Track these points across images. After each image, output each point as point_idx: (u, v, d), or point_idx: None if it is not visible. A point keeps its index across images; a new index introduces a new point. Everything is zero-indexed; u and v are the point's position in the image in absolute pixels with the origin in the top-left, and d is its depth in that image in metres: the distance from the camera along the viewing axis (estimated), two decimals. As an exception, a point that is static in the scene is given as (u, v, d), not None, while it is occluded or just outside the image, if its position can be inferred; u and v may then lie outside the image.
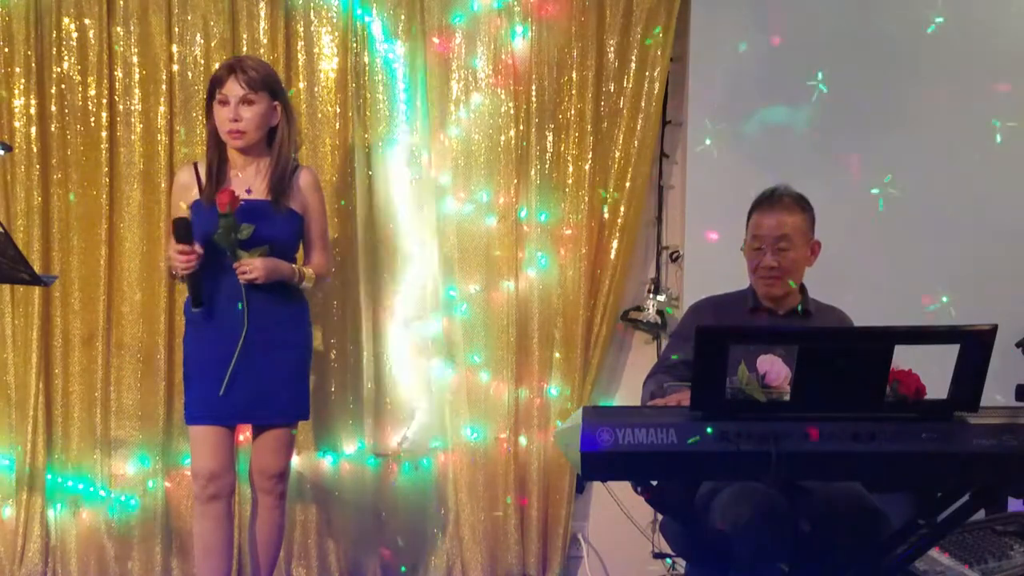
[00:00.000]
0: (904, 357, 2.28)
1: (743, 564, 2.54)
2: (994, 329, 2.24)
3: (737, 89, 3.85)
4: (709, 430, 2.21)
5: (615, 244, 3.85)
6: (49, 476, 3.72)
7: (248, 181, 3.15)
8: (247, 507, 3.44)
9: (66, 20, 3.68)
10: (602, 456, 2.20)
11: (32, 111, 3.66)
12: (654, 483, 2.47)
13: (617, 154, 3.85)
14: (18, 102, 3.67)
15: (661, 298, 3.94)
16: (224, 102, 3.08)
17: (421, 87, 3.80)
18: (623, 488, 2.65)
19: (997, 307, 3.14)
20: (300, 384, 3.23)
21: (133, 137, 3.72)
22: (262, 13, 3.73)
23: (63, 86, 3.69)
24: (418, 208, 3.84)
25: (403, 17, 3.79)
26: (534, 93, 3.82)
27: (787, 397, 2.32)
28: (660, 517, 3.34)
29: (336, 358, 3.79)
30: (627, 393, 3.96)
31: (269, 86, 3.12)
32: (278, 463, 3.20)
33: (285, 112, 3.16)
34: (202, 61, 3.71)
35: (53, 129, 3.69)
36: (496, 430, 3.87)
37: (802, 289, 3.01)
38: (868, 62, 3.83)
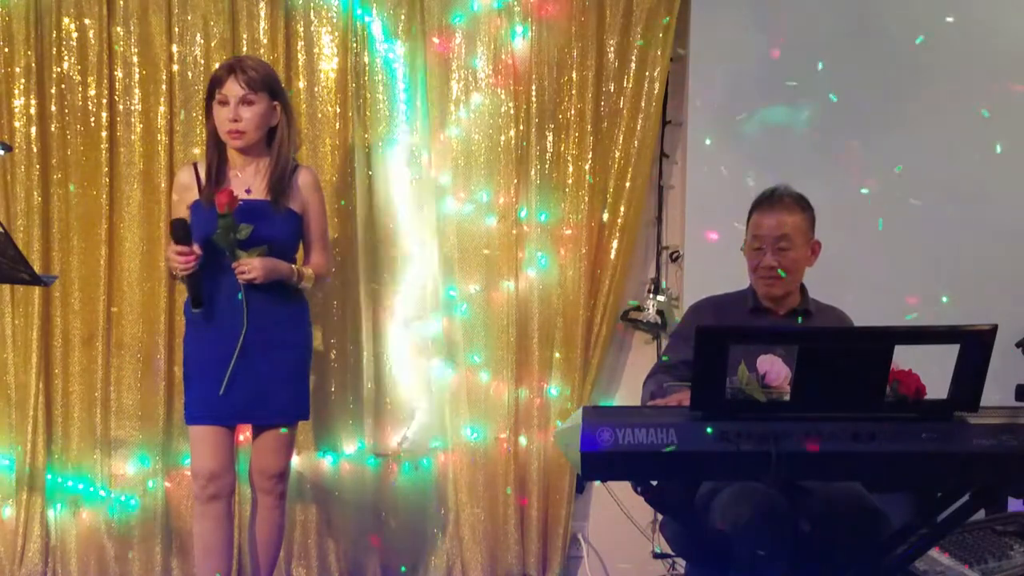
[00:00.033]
0: (904, 357, 2.28)
1: (743, 564, 2.54)
2: (994, 329, 2.24)
3: (737, 89, 3.85)
4: (709, 430, 2.21)
5: (615, 244, 3.85)
6: (49, 476, 3.72)
7: (248, 181, 3.15)
8: (247, 507, 3.44)
9: (66, 20, 3.68)
10: (602, 456, 2.20)
11: (32, 111, 3.66)
12: (654, 483, 2.47)
13: (617, 154, 3.85)
14: (18, 102, 3.67)
15: (661, 298, 3.94)
16: (224, 102, 3.08)
17: (421, 87, 3.80)
18: (623, 488, 2.65)
19: (997, 307, 3.14)
20: (300, 384, 3.23)
21: (133, 137, 3.72)
22: (262, 13, 3.73)
23: (63, 86, 3.69)
24: (418, 208, 3.84)
25: (403, 17, 3.79)
26: (534, 93, 3.82)
27: (787, 397, 2.32)
28: (660, 517, 3.34)
29: (336, 358, 3.79)
30: (627, 393, 3.96)
31: (269, 86, 3.12)
32: (278, 463, 3.20)
33: (285, 112, 3.16)
34: (202, 61, 3.71)
35: (53, 129, 3.69)
36: (496, 430, 3.87)
37: (802, 289, 3.01)
38: (868, 62, 3.82)
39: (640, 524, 3.85)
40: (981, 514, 2.96)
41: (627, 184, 3.84)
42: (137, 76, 3.71)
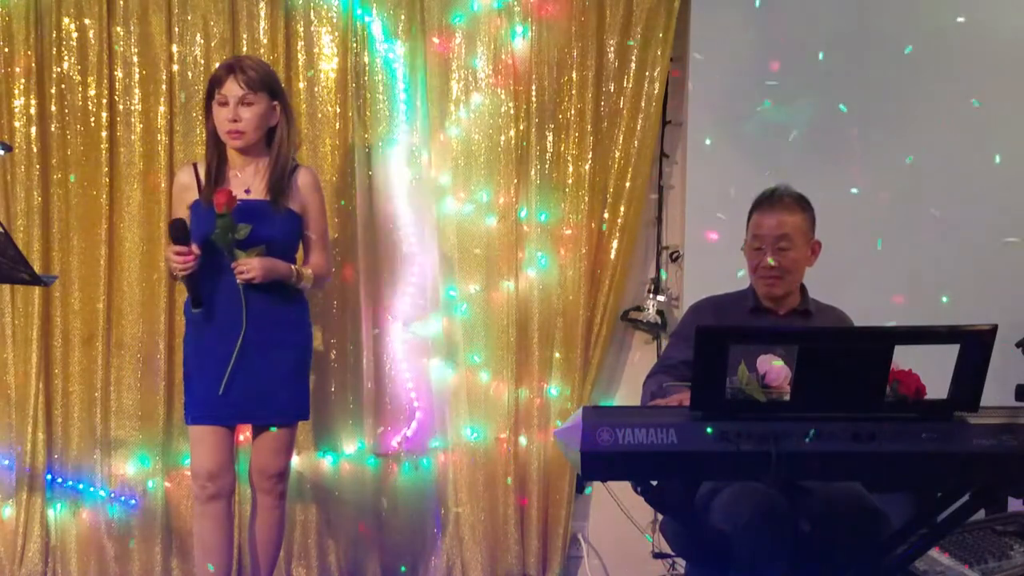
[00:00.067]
0: (904, 357, 2.28)
1: (743, 564, 2.54)
2: (994, 329, 2.24)
3: (737, 89, 3.85)
4: (709, 430, 2.21)
5: (615, 244, 3.85)
6: (49, 476, 3.72)
7: (247, 181, 3.15)
8: (247, 507, 3.44)
9: (66, 20, 3.68)
10: (602, 456, 2.20)
11: (32, 111, 3.66)
12: (654, 483, 2.47)
13: (617, 154, 3.85)
14: (18, 102, 3.67)
15: (661, 298, 3.94)
16: (223, 102, 3.08)
17: (421, 87, 3.80)
18: (623, 488, 2.65)
19: (997, 307, 3.14)
20: (300, 384, 3.23)
21: (133, 137, 3.72)
22: (262, 13, 3.73)
23: (63, 86, 3.69)
24: (418, 208, 3.84)
25: (403, 17, 3.79)
26: (534, 93, 3.82)
27: (787, 397, 2.32)
28: (660, 517, 3.34)
29: (336, 358, 3.79)
30: (627, 393, 3.96)
31: (268, 86, 3.12)
32: (278, 463, 3.20)
33: (284, 112, 3.16)
34: (202, 61, 3.71)
35: (53, 129, 3.69)
36: (496, 430, 3.87)
37: (802, 289, 3.01)
38: (868, 62, 3.82)
39: (640, 524, 3.85)
40: (981, 514, 2.96)
41: (627, 184, 3.84)
42: (137, 76, 3.70)
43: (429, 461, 3.88)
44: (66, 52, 3.69)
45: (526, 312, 3.86)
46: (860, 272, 3.69)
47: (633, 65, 3.82)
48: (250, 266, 3.03)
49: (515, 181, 3.82)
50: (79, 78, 3.69)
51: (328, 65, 3.77)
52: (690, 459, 2.23)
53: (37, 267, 3.56)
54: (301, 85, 3.75)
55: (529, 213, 3.85)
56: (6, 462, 3.72)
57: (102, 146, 3.69)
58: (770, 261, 2.89)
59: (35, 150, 3.66)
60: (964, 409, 2.29)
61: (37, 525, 3.71)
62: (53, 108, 3.69)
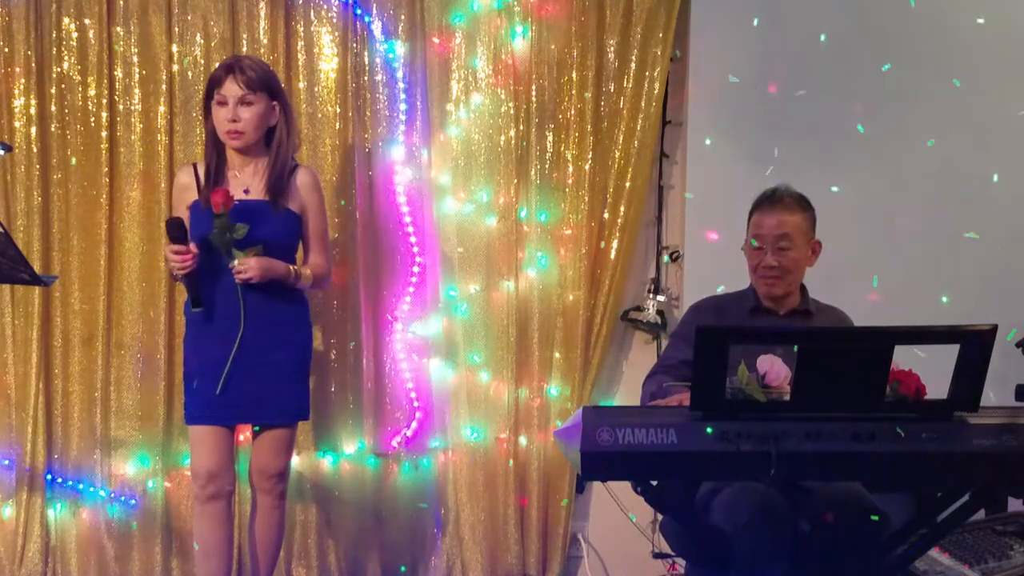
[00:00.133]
0: (904, 357, 2.28)
1: (743, 564, 2.54)
2: (994, 329, 2.24)
3: (737, 89, 3.84)
4: (709, 430, 2.21)
5: (615, 244, 3.85)
6: (49, 476, 3.72)
7: (246, 181, 3.15)
8: (247, 507, 3.44)
9: (66, 20, 3.68)
10: (602, 456, 2.20)
11: (32, 111, 3.66)
12: (654, 483, 2.47)
13: (617, 154, 3.84)
14: (18, 102, 3.67)
15: (661, 298, 3.94)
16: (222, 102, 3.08)
17: (421, 87, 3.80)
18: (623, 488, 2.65)
19: (997, 307, 3.14)
20: (300, 384, 3.23)
21: (133, 137, 3.72)
22: (262, 13, 3.73)
23: (63, 86, 3.69)
24: (418, 208, 3.84)
25: (403, 17, 3.79)
26: (534, 93, 3.82)
27: (787, 397, 2.32)
28: (660, 517, 3.34)
29: (336, 358, 3.79)
30: (627, 393, 3.96)
31: (267, 86, 3.12)
32: (278, 463, 3.20)
33: (284, 112, 3.16)
34: (202, 61, 3.71)
35: (53, 129, 3.69)
36: (496, 430, 3.87)
37: (802, 289, 3.01)
38: (868, 61, 3.82)
39: (640, 524, 3.85)
40: (981, 514, 2.96)
41: (627, 184, 3.84)
42: (137, 76, 3.71)
43: (429, 461, 3.88)
44: (66, 52, 3.69)
45: (526, 312, 3.86)
46: (860, 272, 3.68)
47: (633, 65, 3.82)
48: (247, 266, 3.03)
49: (515, 181, 3.82)
50: (79, 78, 3.69)
51: (328, 65, 3.77)
52: (690, 459, 2.23)
53: (37, 267, 3.56)
54: (301, 85, 3.75)
55: (529, 213, 3.85)
56: (6, 462, 3.72)
57: (102, 146, 3.69)
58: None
59: (35, 150, 3.66)
60: (964, 409, 2.29)
61: (37, 525, 3.71)
62: (53, 108, 3.69)
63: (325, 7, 3.76)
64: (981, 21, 3.81)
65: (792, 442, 2.21)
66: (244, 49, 3.69)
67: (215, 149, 3.15)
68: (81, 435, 3.73)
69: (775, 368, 2.45)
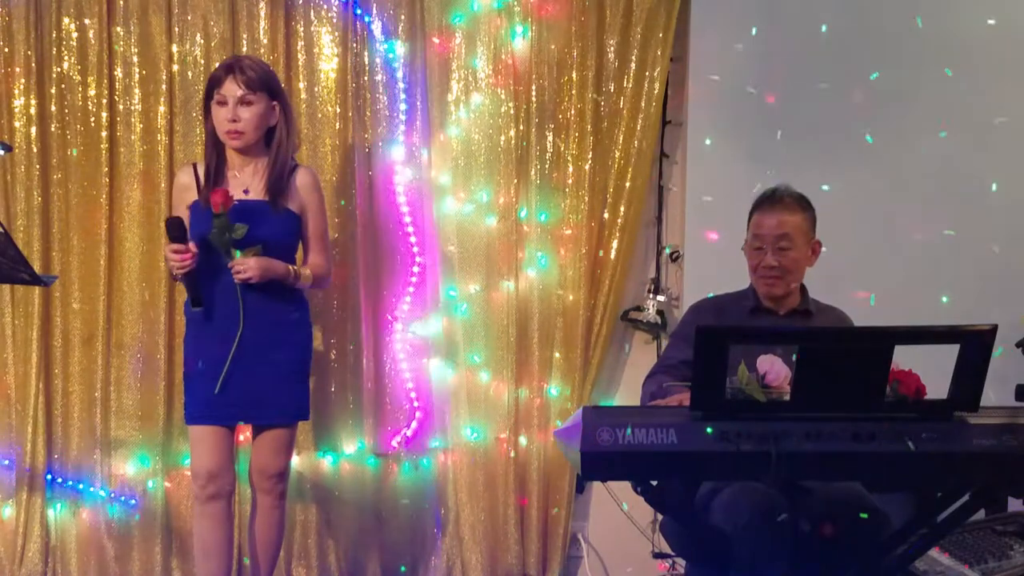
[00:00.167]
0: (904, 357, 2.28)
1: (743, 564, 2.54)
2: (994, 329, 2.24)
3: (737, 89, 3.84)
4: (709, 430, 2.21)
5: (615, 244, 3.85)
6: (49, 476, 3.72)
7: (246, 181, 3.15)
8: (247, 507, 3.44)
9: (66, 20, 3.68)
10: (602, 456, 2.20)
11: (32, 111, 3.66)
12: (654, 483, 2.47)
13: (617, 154, 3.84)
14: (18, 102, 3.67)
15: (661, 298, 3.94)
16: (222, 102, 3.08)
17: (421, 87, 3.80)
18: (623, 488, 2.65)
19: (997, 307, 3.14)
20: (300, 384, 3.23)
21: (133, 137, 3.72)
22: (262, 13, 3.73)
23: (63, 86, 3.69)
24: (418, 208, 3.84)
25: (403, 17, 3.79)
26: (534, 93, 3.82)
27: (787, 397, 2.32)
28: (660, 517, 3.34)
29: (336, 358, 3.79)
30: (627, 393, 3.96)
31: (267, 86, 3.12)
32: (278, 463, 3.20)
33: (283, 112, 3.16)
34: (202, 61, 3.71)
35: (53, 129, 3.69)
36: (496, 430, 3.87)
37: (802, 289, 3.01)
38: (869, 60, 3.82)
39: (640, 524, 3.85)
40: (981, 514, 2.96)
41: (627, 184, 3.84)
42: (137, 76, 3.71)
43: (429, 461, 3.88)
44: (66, 52, 3.69)
45: (526, 312, 3.86)
46: (860, 272, 3.68)
47: (633, 65, 3.82)
48: (246, 266, 3.03)
49: (515, 181, 3.82)
50: (79, 78, 3.69)
51: (328, 65, 3.77)
52: (690, 459, 2.23)
53: (37, 267, 3.56)
54: (301, 85, 3.75)
55: (529, 213, 3.85)
56: (6, 462, 3.72)
57: (102, 146, 3.69)
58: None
59: (35, 150, 3.66)
60: (964, 409, 2.29)
61: (37, 525, 3.71)
62: (53, 108, 3.69)
63: (325, 7, 3.76)
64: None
65: (792, 442, 2.21)
66: (244, 49, 3.69)
67: (215, 149, 3.15)
68: (81, 435, 3.73)
69: (775, 368, 2.45)
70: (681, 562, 3.58)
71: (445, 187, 3.85)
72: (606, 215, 3.86)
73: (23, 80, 3.66)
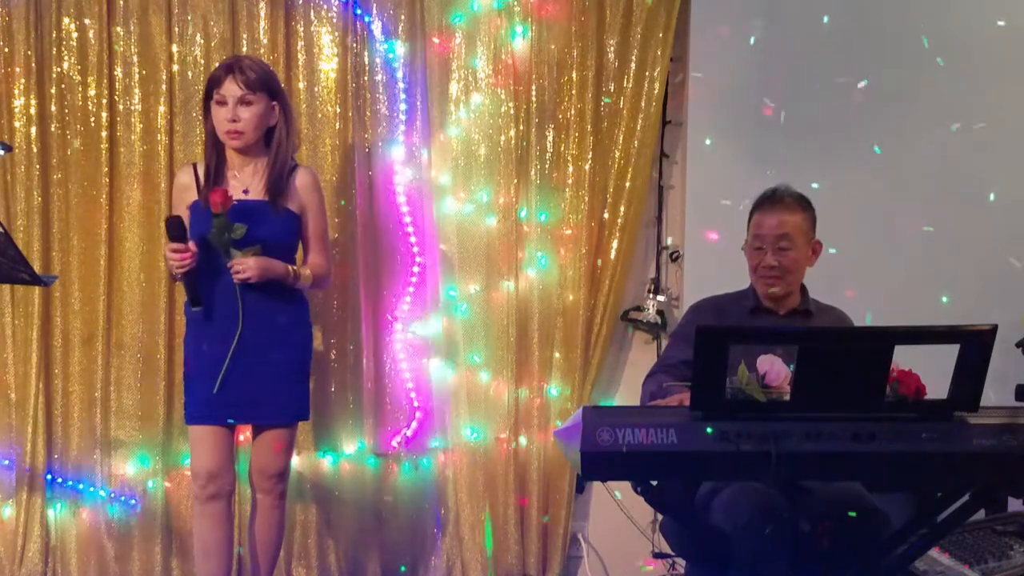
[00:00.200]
0: (904, 357, 2.28)
1: (743, 564, 2.54)
2: (994, 329, 2.23)
3: (737, 89, 3.85)
4: (709, 430, 2.21)
5: (615, 244, 3.85)
6: (49, 476, 3.72)
7: (246, 181, 3.15)
8: (247, 507, 3.44)
9: (66, 20, 3.68)
10: (602, 456, 2.20)
11: (32, 111, 3.66)
12: (654, 483, 2.47)
13: (617, 154, 3.84)
14: (18, 102, 3.67)
15: (661, 298, 3.94)
16: (222, 102, 3.08)
17: (421, 87, 3.80)
18: (623, 488, 2.65)
19: (997, 307, 3.14)
20: (300, 384, 3.23)
21: (133, 137, 3.72)
22: (262, 13, 3.73)
23: (63, 86, 3.69)
24: (418, 208, 3.84)
25: (403, 17, 3.79)
26: (534, 93, 3.82)
27: (787, 397, 2.32)
28: (660, 517, 3.34)
29: (336, 358, 3.79)
30: (627, 393, 3.96)
31: (267, 86, 3.12)
32: (277, 463, 3.20)
33: (283, 112, 3.16)
34: (202, 61, 3.71)
35: (53, 129, 3.69)
36: (496, 430, 3.87)
37: (802, 289, 3.01)
38: (869, 60, 3.82)
39: (640, 524, 3.85)
40: (981, 514, 2.96)
41: (627, 184, 3.84)
42: (137, 76, 3.71)
43: (429, 461, 3.88)
44: (66, 52, 3.69)
45: (526, 312, 3.86)
46: (860, 272, 3.68)
47: (633, 65, 3.82)
48: (245, 266, 3.03)
49: (515, 181, 3.82)
50: (79, 78, 3.69)
51: (328, 65, 3.77)
52: (690, 459, 2.23)
53: (37, 267, 3.56)
54: (301, 85, 3.75)
55: (529, 213, 3.85)
56: (6, 462, 3.72)
57: (102, 146, 3.69)
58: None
59: (35, 150, 3.66)
60: (964, 409, 2.28)
61: (37, 525, 3.71)
62: (53, 108, 3.69)
63: (325, 7, 3.76)
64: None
65: (792, 442, 2.21)
66: (244, 49, 3.69)
67: (215, 149, 3.15)
68: (81, 435, 3.73)
69: (775, 368, 2.45)
70: (681, 562, 3.58)
71: (445, 187, 3.85)
72: (606, 215, 3.86)
73: (23, 80, 3.66)
